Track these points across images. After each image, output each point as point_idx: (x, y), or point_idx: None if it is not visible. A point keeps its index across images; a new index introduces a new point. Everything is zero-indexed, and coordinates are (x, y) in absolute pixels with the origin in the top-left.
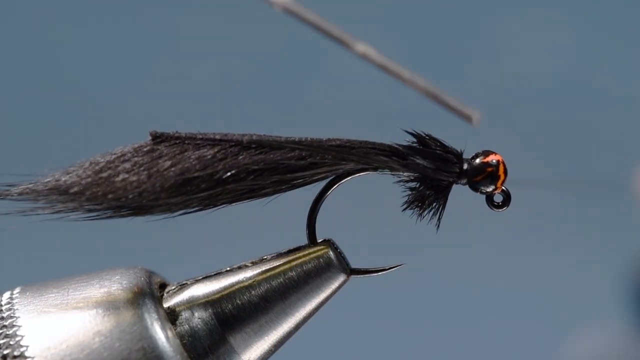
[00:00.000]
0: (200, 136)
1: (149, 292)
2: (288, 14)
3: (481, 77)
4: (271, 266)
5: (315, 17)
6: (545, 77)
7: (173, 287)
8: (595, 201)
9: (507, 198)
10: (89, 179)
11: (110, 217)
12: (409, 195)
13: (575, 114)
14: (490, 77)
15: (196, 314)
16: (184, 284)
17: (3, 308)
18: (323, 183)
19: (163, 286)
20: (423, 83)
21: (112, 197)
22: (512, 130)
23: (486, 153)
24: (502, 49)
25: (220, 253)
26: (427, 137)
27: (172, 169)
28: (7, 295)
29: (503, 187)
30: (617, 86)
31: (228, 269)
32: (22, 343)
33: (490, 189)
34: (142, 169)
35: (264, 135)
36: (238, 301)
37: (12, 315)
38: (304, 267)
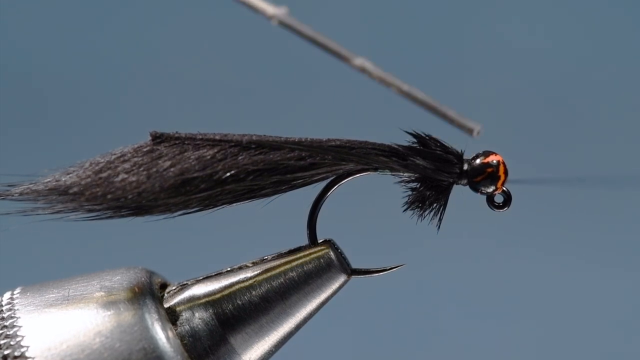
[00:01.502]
0: (200, 136)
1: (150, 292)
2: (284, 27)
3: (479, 77)
4: (272, 266)
5: (312, 31)
6: (542, 75)
7: (174, 288)
8: (605, 200)
9: (507, 198)
10: (89, 179)
11: (110, 217)
12: (409, 195)
13: (574, 112)
14: (488, 77)
15: (197, 314)
16: (184, 284)
17: (4, 308)
18: (323, 183)
19: (164, 286)
20: (422, 95)
21: (112, 197)
22: (512, 130)
23: (486, 153)
24: (497, 48)
25: (220, 253)
26: (427, 138)
27: (172, 169)
28: (7, 295)
29: (503, 188)
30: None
31: (228, 269)
32: (22, 343)
33: (490, 189)
34: (141, 169)
35: (264, 135)
36: (239, 301)
37: (12, 315)
38: (305, 268)
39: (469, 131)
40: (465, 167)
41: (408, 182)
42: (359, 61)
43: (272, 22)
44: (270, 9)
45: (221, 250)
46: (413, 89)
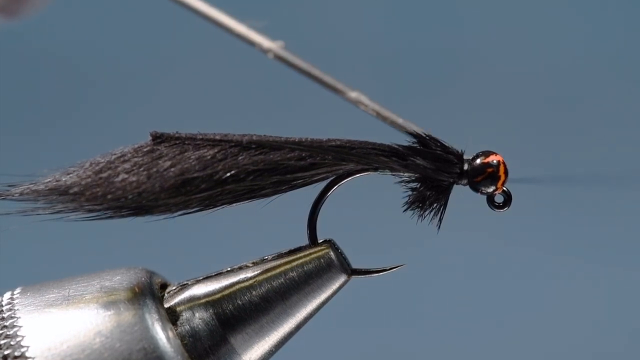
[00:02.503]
0: (200, 137)
1: (150, 293)
2: (280, 61)
3: (479, 77)
4: (272, 266)
5: (307, 64)
6: (543, 74)
7: (174, 288)
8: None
9: (507, 198)
10: (89, 180)
11: (111, 217)
12: (409, 195)
13: (574, 111)
14: (488, 77)
15: (197, 315)
16: (184, 285)
17: (4, 308)
18: (323, 183)
19: (164, 286)
20: (416, 129)
21: (112, 197)
22: (512, 130)
23: (487, 153)
24: (497, 48)
25: (220, 253)
26: (427, 138)
27: (172, 169)
28: (7, 295)
29: (504, 188)
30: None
31: (229, 269)
32: (22, 343)
33: (490, 189)
34: (142, 169)
35: (264, 135)
36: (239, 301)
37: (12, 315)
38: (305, 268)
39: None
40: (466, 167)
41: (408, 182)
42: (354, 95)
43: (268, 56)
44: (266, 43)
45: (221, 250)
46: (407, 122)
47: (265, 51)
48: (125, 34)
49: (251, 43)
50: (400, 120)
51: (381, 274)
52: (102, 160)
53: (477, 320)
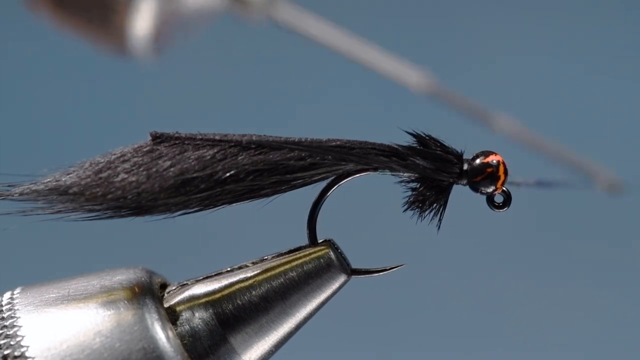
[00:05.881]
0: (200, 136)
1: (150, 292)
2: (432, 97)
3: (480, 78)
4: (272, 266)
5: (459, 96)
6: (544, 73)
7: (173, 288)
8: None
9: (507, 198)
10: (89, 180)
11: (110, 217)
12: (409, 195)
13: (575, 112)
14: (490, 78)
15: (197, 314)
16: (184, 284)
17: (4, 308)
18: (323, 183)
19: (163, 286)
20: (565, 152)
21: (112, 197)
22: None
23: (486, 153)
24: (499, 48)
25: (220, 253)
26: (427, 138)
27: (172, 169)
28: (7, 295)
29: (503, 188)
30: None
31: (228, 269)
32: (22, 343)
33: (490, 189)
34: (141, 169)
35: (264, 135)
36: (238, 301)
37: (12, 315)
38: (305, 268)
39: (610, 186)
40: (465, 167)
41: (408, 182)
42: (502, 123)
43: (417, 93)
44: (414, 79)
45: (221, 250)
46: (557, 145)
47: (412, 87)
48: None
49: (397, 79)
50: (549, 144)
51: (381, 273)
52: (102, 160)
53: (477, 320)
